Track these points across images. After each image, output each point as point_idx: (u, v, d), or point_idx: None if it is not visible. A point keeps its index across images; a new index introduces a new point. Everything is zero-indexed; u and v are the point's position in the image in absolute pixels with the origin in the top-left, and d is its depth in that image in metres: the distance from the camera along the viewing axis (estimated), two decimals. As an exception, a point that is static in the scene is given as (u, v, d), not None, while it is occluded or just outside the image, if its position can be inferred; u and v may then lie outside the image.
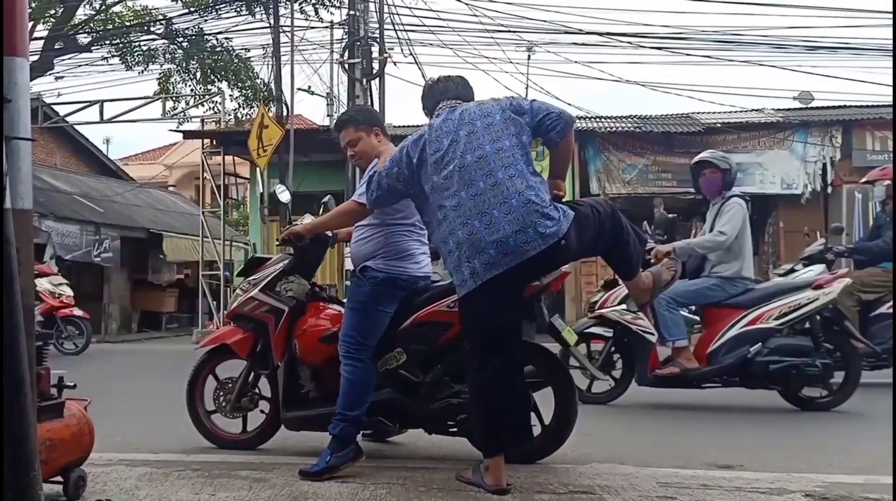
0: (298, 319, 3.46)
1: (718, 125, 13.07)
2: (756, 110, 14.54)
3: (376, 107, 13.41)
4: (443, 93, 3.10)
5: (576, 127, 12.04)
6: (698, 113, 14.69)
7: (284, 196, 3.90)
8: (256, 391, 3.70)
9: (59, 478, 2.57)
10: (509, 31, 14.17)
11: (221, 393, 3.72)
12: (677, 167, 13.10)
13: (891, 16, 9.49)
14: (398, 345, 3.21)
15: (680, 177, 13.07)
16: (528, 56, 17.05)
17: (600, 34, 13.83)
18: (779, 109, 14.49)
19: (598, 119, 14.47)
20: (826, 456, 3.59)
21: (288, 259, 3.56)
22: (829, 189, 12.66)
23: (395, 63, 13.86)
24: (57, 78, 15.33)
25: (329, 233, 3.58)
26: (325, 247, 3.63)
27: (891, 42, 9.38)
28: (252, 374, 3.69)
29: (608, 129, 13.30)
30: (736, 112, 14.56)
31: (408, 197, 3.04)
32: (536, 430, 3.30)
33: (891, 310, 5.69)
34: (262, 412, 3.72)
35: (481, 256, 2.69)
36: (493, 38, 14.11)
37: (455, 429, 3.27)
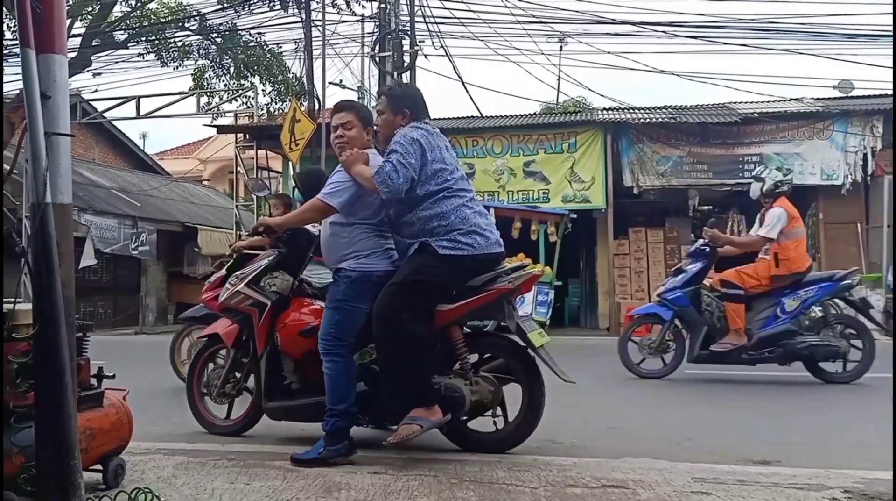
0: (282, 313, 3.60)
1: (756, 115, 12.80)
2: (795, 100, 14.21)
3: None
4: (427, 109, 3.46)
5: (609, 118, 11.90)
6: (735, 103, 14.41)
7: (262, 192, 4.08)
8: (240, 378, 3.90)
9: (98, 466, 2.63)
10: (541, 23, 14.07)
11: (212, 380, 3.94)
12: (713, 159, 12.87)
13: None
14: (371, 341, 3.29)
15: (716, 168, 12.85)
16: (560, 47, 16.94)
17: (634, 24, 13.64)
18: (818, 99, 14.14)
19: (631, 110, 14.29)
20: (865, 452, 3.50)
21: (273, 255, 3.72)
22: (870, 180, 12.34)
23: (425, 56, 13.88)
24: (94, 74, 15.63)
25: (315, 233, 3.69)
26: (309, 244, 3.73)
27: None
28: (238, 363, 3.88)
29: (642, 120, 13.11)
30: (774, 102, 14.25)
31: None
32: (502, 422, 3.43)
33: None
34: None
35: (483, 237, 3.21)
36: (524, 29, 14.04)
37: None
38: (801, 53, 13.82)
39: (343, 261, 3.31)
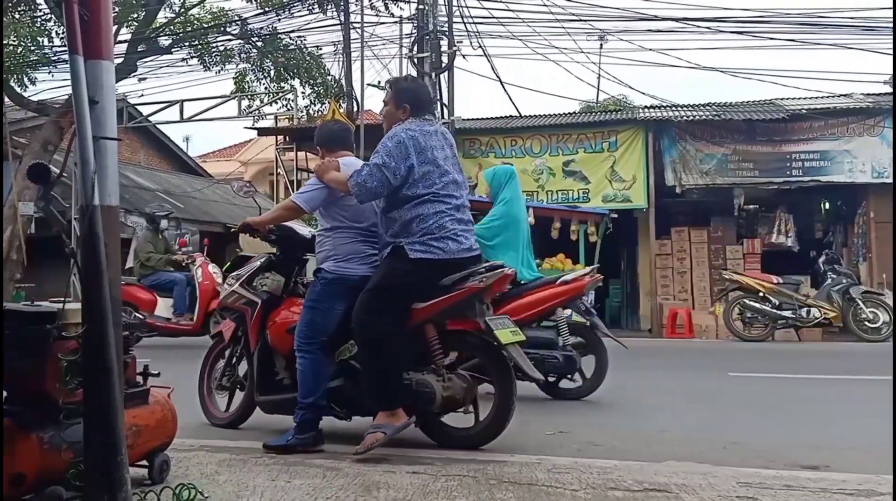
0: (272, 311, 3.79)
1: (804, 111, 12.48)
2: (844, 95, 13.82)
3: (445, 100, 13.44)
4: (431, 104, 3.53)
5: (650, 117, 11.75)
6: (782, 99, 14.06)
7: (248, 195, 4.29)
8: (236, 373, 4.12)
9: (144, 462, 2.69)
10: (581, 20, 13.94)
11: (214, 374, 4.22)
12: (760, 156, 12.60)
13: None
14: (351, 338, 3.42)
15: (763, 167, 12.57)
16: (601, 45, 16.75)
17: (676, 20, 13.42)
18: (868, 94, 13.72)
19: (673, 108, 14.05)
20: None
21: (265, 257, 3.96)
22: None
23: (464, 56, 13.84)
24: (140, 79, 15.94)
25: (307, 236, 3.86)
26: (300, 247, 3.89)
27: None
28: (234, 358, 4.11)
29: (684, 118, 12.88)
30: (823, 98, 13.87)
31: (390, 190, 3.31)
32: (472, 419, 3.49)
33: None
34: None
35: (455, 243, 3.29)
36: (563, 27, 13.92)
37: None
38: (850, 48, 13.40)
39: (324, 262, 3.52)
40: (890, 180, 11.91)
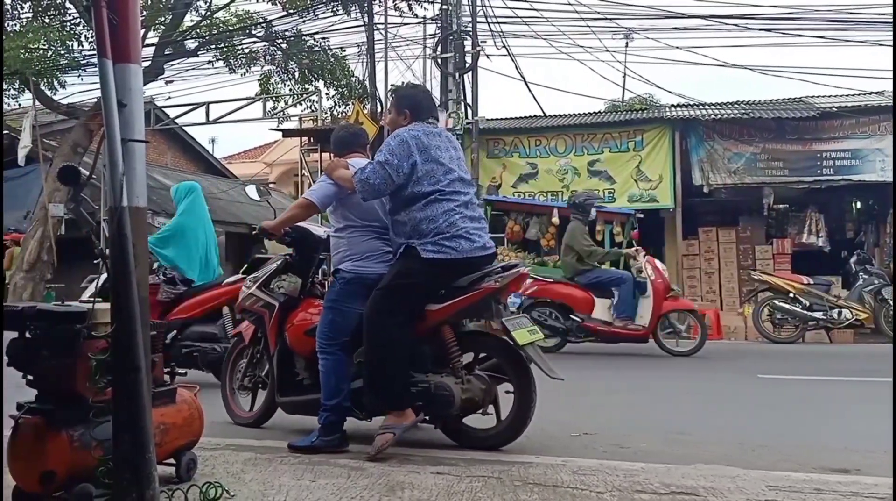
0: (291, 313, 3.79)
1: (834, 109, 12.26)
2: (875, 93, 13.54)
3: (469, 100, 13.44)
4: (433, 109, 3.60)
5: (677, 115, 11.59)
6: (813, 97, 13.83)
7: (255, 195, 4.33)
8: (257, 373, 4.14)
9: (171, 460, 2.72)
10: (606, 19, 13.84)
11: (238, 375, 4.25)
12: (789, 155, 12.39)
13: None
14: None
15: (793, 165, 12.36)
16: (626, 44, 16.62)
17: (704, 17, 13.27)
18: (900, 91, 13.45)
19: (700, 106, 13.89)
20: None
21: (281, 260, 3.98)
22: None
23: (487, 56, 13.83)
24: (167, 82, 16.16)
25: (322, 236, 3.85)
26: (314, 248, 3.88)
27: None
28: (255, 359, 4.14)
29: (712, 116, 12.72)
30: (854, 95, 13.61)
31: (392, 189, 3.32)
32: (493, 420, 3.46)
33: None
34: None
35: (468, 242, 3.26)
36: (588, 26, 13.83)
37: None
38: (881, 45, 13.15)
39: (341, 263, 3.51)
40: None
